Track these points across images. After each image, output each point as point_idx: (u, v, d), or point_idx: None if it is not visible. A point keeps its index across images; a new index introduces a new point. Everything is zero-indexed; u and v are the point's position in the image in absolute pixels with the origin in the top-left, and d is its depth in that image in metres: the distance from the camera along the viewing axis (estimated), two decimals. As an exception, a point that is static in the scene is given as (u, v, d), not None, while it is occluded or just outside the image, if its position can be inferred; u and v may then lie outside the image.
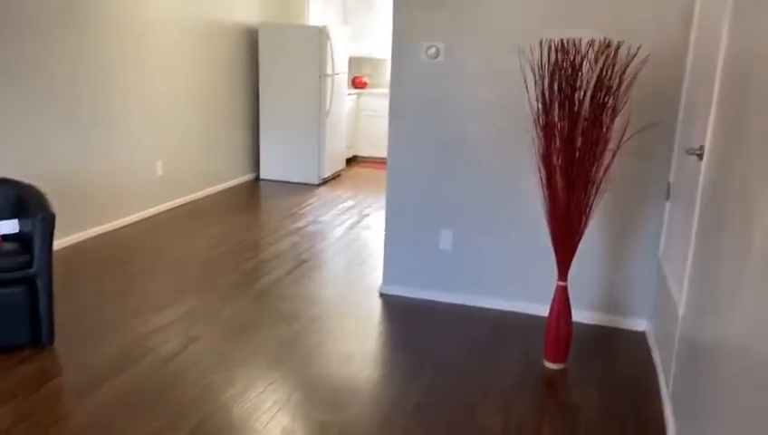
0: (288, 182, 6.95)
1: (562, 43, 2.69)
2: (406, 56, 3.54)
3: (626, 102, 2.95)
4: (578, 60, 2.65)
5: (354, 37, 8.20)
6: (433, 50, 3.48)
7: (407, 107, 3.60)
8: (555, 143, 2.78)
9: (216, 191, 6.35)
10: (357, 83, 8.42)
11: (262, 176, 7.07)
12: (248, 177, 7.01)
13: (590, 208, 2.81)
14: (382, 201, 6.25)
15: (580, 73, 2.66)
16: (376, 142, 8.37)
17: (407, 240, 3.78)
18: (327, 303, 3.71)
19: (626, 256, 3.41)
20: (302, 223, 5.38)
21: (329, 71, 6.76)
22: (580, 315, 3.50)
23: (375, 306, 3.68)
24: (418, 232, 3.74)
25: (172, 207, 5.68)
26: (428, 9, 3.43)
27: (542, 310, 3.56)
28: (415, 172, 3.67)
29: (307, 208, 5.87)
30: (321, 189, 6.72)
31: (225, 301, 3.67)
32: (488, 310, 3.66)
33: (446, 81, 3.49)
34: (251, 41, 6.77)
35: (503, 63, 3.37)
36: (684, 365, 2.36)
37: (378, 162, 8.37)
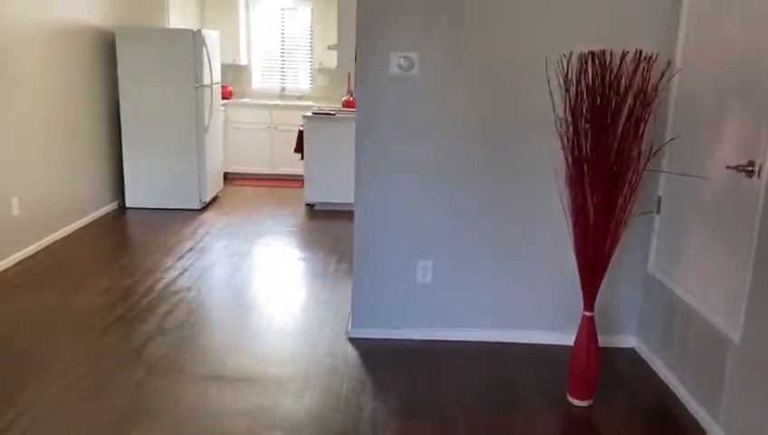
0: (162, 209, 6.02)
1: (595, 55, 2.45)
2: (373, 68, 3.08)
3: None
4: (615, 72, 2.41)
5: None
6: (404, 61, 3.06)
7: (375, 126, 3.14)
8: (585, 164, 2.53)
9: (75, 229, 5.26)
10: (224, 93, 7.64)
11: (128, 204, 6.05)
12: (110, 206, 5.95)
13: (621, 231, 2.61)
14: (283, 225, 5.65)
15: (614, 87, 2.43)
16: (246, 157, 7.67)
17: (379, 275, 3.31)
18: (289, 361, 3.12)
19: (611, 272, 3.28)
20: (203, 261, 4.62)
21: (206, 80, 5.97)
22: (559, 338, 3.31)
23: (347, 355, 3.16)
24: (392, 266, 3.30)
25: (28, 255, 4.58)
26: (398, 13, 3.01)
27: (540, 337, 3.34)
28: (386, 200, 3.22)
29: (199, 241, 5.08)
30: (206, 215, 5.91)
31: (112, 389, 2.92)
32: (480, 343, 3.33)
33: (422, 96, 3.09)
34: (106, 47, 5.74)
35: (493, 78, 3.06)
36: (747, 383, 2.23)
37: (252, 179, 7.67)
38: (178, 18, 6.97)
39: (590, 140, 2.50)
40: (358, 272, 3.33)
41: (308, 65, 8.15)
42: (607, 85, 2.43)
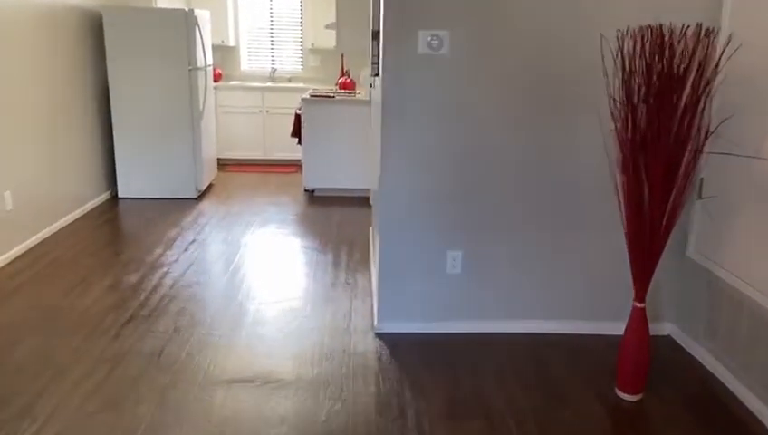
0: (157, 199, 5.77)
1: (653, 30, 2.29)
2: (399, 48, 2.89)
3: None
4: (677, 48, 2.26)
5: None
6: (434, 39, 2.87)
7: (402, 110, 2.96)
8: (642, 146, 2.38)
9: (69, 222, 5.01)
10: (213, 76, 7.34)
11: (121, 194, 5.79)
12: (103, 197, 5.69)
13: (677, 217, 2.48)
14: (285, 213, 5.46)
15: (674, 64, 2.28)
16: (237, 142, 7.42)
17: (405, 267, 3.16)
18: (318, 361, 2.96)
19: (646, 257, 3.16)
20: (208, 254, 4.42)
21: (200, 63, 5.70)
22: (597, 327, 3.21)
23: (378, 352, 3.01)
24: (420, 256, 3.14)
25: (24, 251, 4.33)
26: (428, -11, 2.82)
27: (576, 328, 3.22)
28: (413, 187, 3.05)
29: (200, 232, 4.87)
30: (204, 204, 5.68)
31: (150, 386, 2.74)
32: (513, 335, 3.20)
33: (453, 77, 2.92)
34: (93, 28, 5.43)
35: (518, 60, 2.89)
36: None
37: (245, 165, 7.43)
38: (165, -3, 6.65)
39: (646, 120, 2.36)
40: (383, 263, 3.17)
41: (299, 46, 7.89)
42: (665, 62, 2.29)
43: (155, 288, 3.71)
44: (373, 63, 3.50)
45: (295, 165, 7.29)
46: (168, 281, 3.83)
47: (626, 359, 2.63)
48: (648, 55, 2.31)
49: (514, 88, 2.94)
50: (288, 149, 7.31)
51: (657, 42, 2.28)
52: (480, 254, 3.14)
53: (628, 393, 2.66)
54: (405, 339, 3.15)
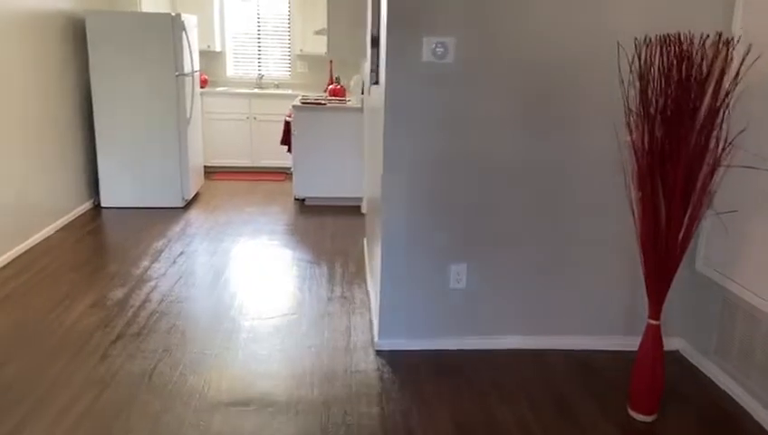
0: (142, 208, 5.60)
1: (670, 39, 2.21)
2: (402, 55, 2.78)
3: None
4: (696, 58, 2.18)
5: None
6: (439, 47, 2.77)
7: (405, 119, 2.85)
8: (659, 159, 2.30)
9: (50, 233, 4.82)
10: (200, 82, 7.18)
11: (104, 203, 5.60)
12: (85, 206, 5.50)
13: (694, 231, 2.39)
14: (276, 223, 5.32)
15: (693, 74, 2.20)
16: (224, 150, 7.27)
17: (407, 281, 3.04)
18: (319, 382, 2.83)
19: (654, 271, 3.08)
20: (198, 267, 4.27)
21: (187, 69, 5.54)
22: (605, 343, 3.13)
23: (381, 370, 2.88)
24: (422, 270, 3.03)
25: (4, 264, 4.14)
26: (433, -6, 2.72)
27: (583, 343, 3.13)
28: (416, 199, 2.94)
29: (188, 243, 4.71)
30: (191, 213, 5.52)
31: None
32: (519, 351, 3.09)
33: (457, 86, 2.81)
34: (75, 33, 5.26)
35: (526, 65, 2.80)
36: None
37: (232, 173, 7.27)
38: (149, 3, 6.48)
39: (663, 132, 2.27)
40: (384, 277, 3.05)
41: (287, 51, 7.75)
42: (683, 72, 2.21)
43: (143, 304, 3.56)
44: (372, 71, 3.39)
45: (284, 173, 7.15)
46: (156, 296, 3.67)
47: (640, 378, 2.54)
48: (666, 65, 2.23)
49: (522, 98, 2.85)
50: (276, 156, 7.17)
51: (676, 51, 2.20)
52: (485, 267, 3.04)
53: (642, 414, 2.56)
54: (407, 356, 3.03)
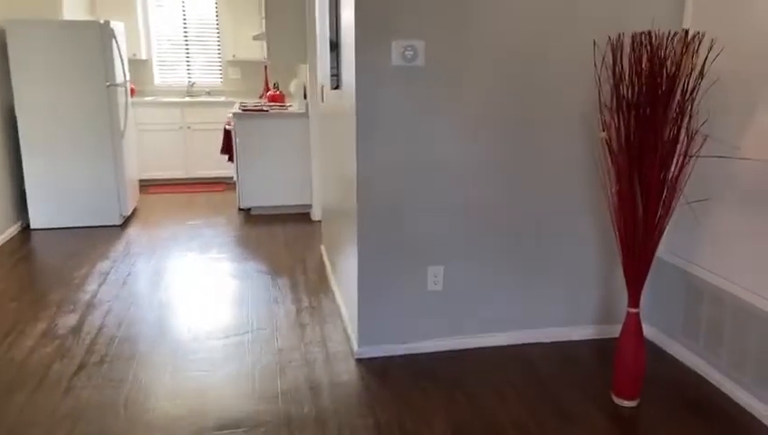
0: (76, 228, 5.28)
1: (642, 37, 2.29)
2: (372, 59, 2.75)
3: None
4: (662, 55, 2.27)
5: (115, 35, 6.62)
6: (408, 50, 2.75)
7: (376, 123, 2.82)
8: (633, 154, 2.38)
9: (-17, 258, 4.47)
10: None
11: (33, 225, 5.25)
12: (13, 230, 5.13)
13: (668, 219, 2.49)
14: (224, 235, 5.15)
15: (663, 70, 2.29)
16: (157, 162, 6.99)
17: (385, 286, 3.01)
18: (306, 398, 2.75)
19: (614, 258, 3.20)
20: (151, 287, 4.07)
21: (118, 78, 5.27)
22: (586, 332, 3.23)
23: (365, 380, 2.84)
24: (399, 274, 3.01)
25: (-64, 294, 3.80)
26: (401, -3, 2.70)
27: (559, 334, 3.20)
28: (391, 202, 2.92)
29: (134, 263, 4.48)
30: (131, 231, 5.25)
31: None
32: (500, 347, 3.12)
33: (429, 89, 2.81)
34: (-6, 43, 4.90)
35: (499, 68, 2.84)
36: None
37: (167, 185, 6.99)
38: (70, 11, 6.12)
39: (638, 127, 2.36)
40: (361, 284, 3.00)
41: (216, 58, 7.53)
42: (655, 68, 2.29)
43: (99, 330, 3.35)
44: (332, 75, 3.33)
45: (223, 183, 6.95)
46: (112, 320, 3.47)
47: (622, 365, 2.62)
48: (634, 62, 2.31)
49: (493, 99, 2.88)
50: (213, 166, 6.96)
51: (646, 48, 2.28)
52: (462, 268, 3.05)
53: (626, 399, 2.65)
54: (388, 362, 3.00)
